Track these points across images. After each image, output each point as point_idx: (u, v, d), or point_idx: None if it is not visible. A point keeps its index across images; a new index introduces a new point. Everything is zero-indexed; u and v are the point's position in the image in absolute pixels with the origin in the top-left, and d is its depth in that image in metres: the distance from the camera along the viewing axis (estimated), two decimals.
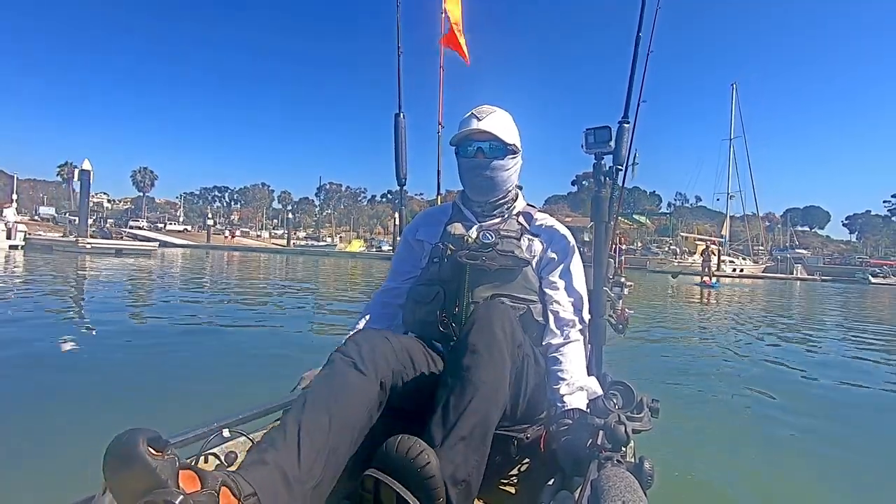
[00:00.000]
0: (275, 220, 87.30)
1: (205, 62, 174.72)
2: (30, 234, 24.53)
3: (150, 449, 0.65)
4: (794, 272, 36.75)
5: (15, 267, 12.96)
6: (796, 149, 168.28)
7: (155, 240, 28.74)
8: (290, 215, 77.71)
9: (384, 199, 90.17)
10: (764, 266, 39.84)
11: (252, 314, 6.98)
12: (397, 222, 1.99)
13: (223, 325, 5.79)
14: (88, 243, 22.24)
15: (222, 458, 1.02)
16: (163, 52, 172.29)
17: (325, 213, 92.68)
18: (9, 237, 22.02)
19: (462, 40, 2.46)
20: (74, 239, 22.78)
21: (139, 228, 40.60)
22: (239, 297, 9.06)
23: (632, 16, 1.55)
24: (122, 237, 31.15)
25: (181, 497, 0.64)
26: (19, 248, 21.80)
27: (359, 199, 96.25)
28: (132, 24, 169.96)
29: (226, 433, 1.05)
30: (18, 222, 25.39)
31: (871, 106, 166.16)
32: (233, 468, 0.99)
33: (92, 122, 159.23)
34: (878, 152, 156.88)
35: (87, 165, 25.68)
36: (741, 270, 36.12)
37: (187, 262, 20.40)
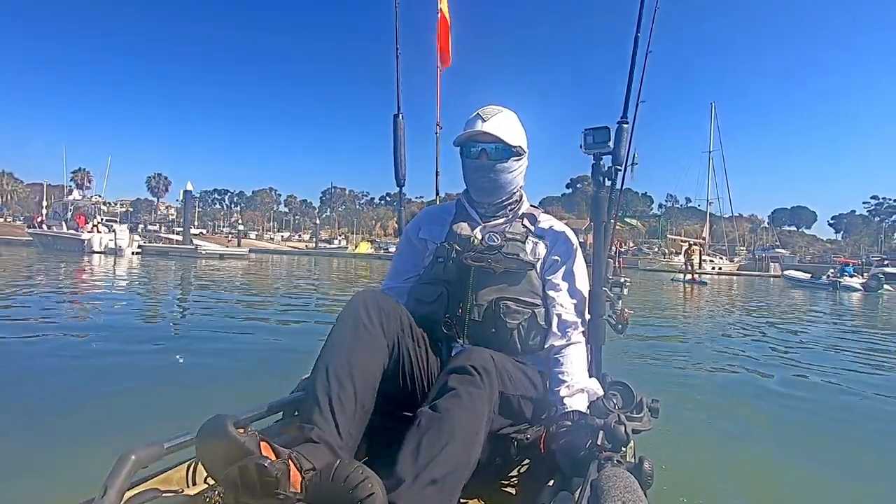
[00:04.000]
0: (273, 223, 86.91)
1: (204, 61, 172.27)
2: (142, 242, 27.57)
3: (235, 428, 0.78)
4: (770, 270, 37.94)
5: (172, 271, 14.86)
6: (787, 150, 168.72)
7: (194, 244, 30.87)
8: (295, 217, 77.71)
9: (383, 202, 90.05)
10: (738, 264, 41.29)
11: None
12: (397, 224, 1.95)
13: None
14: (203, 249, 26.32)
15: None
16: (161, 53, 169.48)
17: (324, 216, 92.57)
18: (128, 244, 24.52)
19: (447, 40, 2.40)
20: (193, 246, 27.00)
21: (156, 232, 41.77)
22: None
23: (630, 14, 1.52)
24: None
25: (269, 461, 0.77)
26: (138, 253, 24.32)
27: (360, 201, 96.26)
28: (125, 22, 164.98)
29: None
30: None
31: (863, 107, 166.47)
32: None
33: (83, 123, 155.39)
34: (867, 154, 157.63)
35: (189, 186, 32.77)
36: (720, 269, 37.51)
37: (266, 264, 22.96)
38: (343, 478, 0.78)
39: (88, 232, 23.93)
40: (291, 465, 0.82)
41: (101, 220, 26.58)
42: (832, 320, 9.79)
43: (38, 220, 27.91)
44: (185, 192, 33.06)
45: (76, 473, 1.59)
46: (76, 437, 2.26)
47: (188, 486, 0.93)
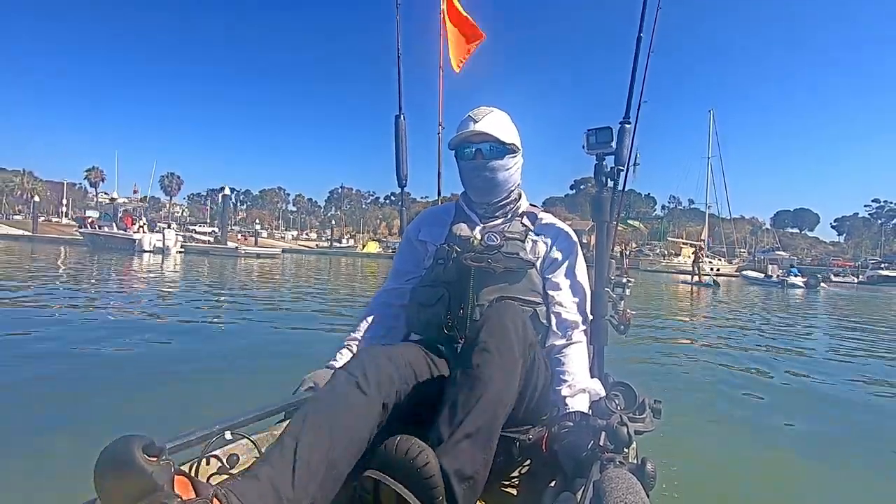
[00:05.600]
0: (280, 222, 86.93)
1: (205, 60, 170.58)
2: (184, 242, 28.73)
3: (145, 455, 0.64)
4: (768, 271, 38.97)
5: (230, 270, 16.01)
6: (789, 153, 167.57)
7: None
8: (301, 216, 77.70)
9: (387, 202, 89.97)
10: (737, 266, 41.77)
11: None
12: (400, 225, 1.93)
13: None
14: (244, 249, 28.18)
15: (224, 460, 0.97)
16: (164, 52, 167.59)
17: (328, 215, 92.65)
18: (174, 244, 25.75)
19: (454, 46, 2.39)
20: (235, 246, 29.01)
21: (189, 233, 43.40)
22: None
23: (632, 16, 1.50)
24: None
25: (177, 501, 0.63)
26: (181, 252, 25.68)
27: (367, 201, 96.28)
28: (126, 19, 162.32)
29: (227, 435, 1.00)
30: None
31: (862, 108, 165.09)
32: (234, 471, 0.95)
33: (85, 122, 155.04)
34: (871, 155, 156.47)
35: (227, 191, 35.59)
36: (718, 270, 38.18)
37: (296, 263, 24.18)
38: (405, 449, 0.86)
39: (135, 232, 25.11)
40: (215, 503, 0.69)
41: (147, 221, 27.89)
42: (804, 316, 10.52)
43: (89, 220, 29.45)
44: (224, 196, 36.78)
45: (76, 473, 1.58)
46: (77, 435, 2.25)
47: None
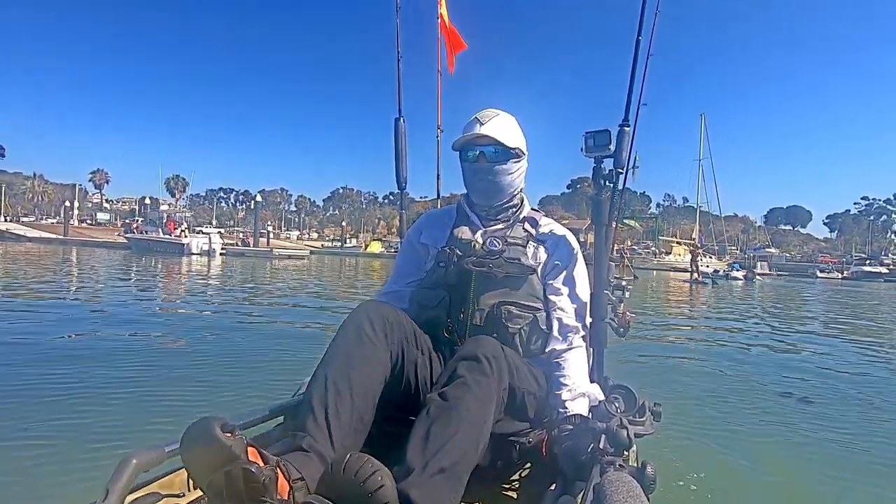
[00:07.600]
0: (282, 222, 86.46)
1: (205, 61, 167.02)
2: (224, 245, 29.76)
3: (223, 431, 0.73)
4: (757, 269, 39.89)
5: (277, 271, 17.29)
6: (786, 152, 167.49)
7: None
8: (301, 216, 77.22)
9: (387, 201, 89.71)
10: (727, 263, 42.30)
11: None
12: (399, 226, 1.92)
13: None
14: (276, 251, 29.74)
15: None
16: (165, 52, 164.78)
17: (327, 215, 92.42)
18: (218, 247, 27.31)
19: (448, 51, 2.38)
20: (269, 248, 30.84)
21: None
22: None
23: (631, 18, 1.48)
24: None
25: (256, 466, 0.73)
26: (223, 254, 26.88)
27: (367, 200, 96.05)
28: (125, 18, 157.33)
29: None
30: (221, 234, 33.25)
31: (866, 110, 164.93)
32: None
33: (89, 122, 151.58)
34: (866, 154, 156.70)
35: (259, 198, 39.50)
36: (706, 266, 38.78)
37: (322, 262, 25.80)
38: (354, 471, 0.76)
39: (176, 236, 26.18)
40: (279, 472, 0.77)
41: (189, 225, 29.29)
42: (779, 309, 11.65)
43: (134, 226, 30.62)
44: (256, 202, 39.92)
45: (78, 476, 1.57)
46: (80, 438, 2.23)
47: (189, 490, 0.90)
